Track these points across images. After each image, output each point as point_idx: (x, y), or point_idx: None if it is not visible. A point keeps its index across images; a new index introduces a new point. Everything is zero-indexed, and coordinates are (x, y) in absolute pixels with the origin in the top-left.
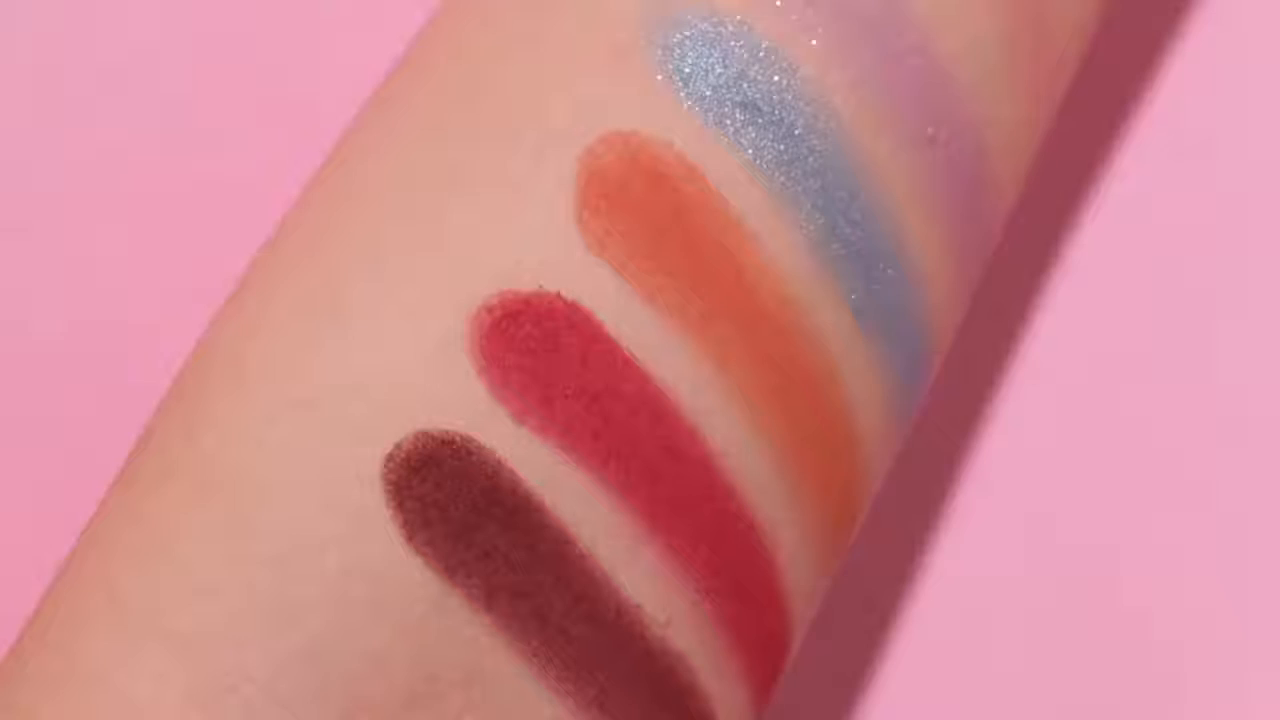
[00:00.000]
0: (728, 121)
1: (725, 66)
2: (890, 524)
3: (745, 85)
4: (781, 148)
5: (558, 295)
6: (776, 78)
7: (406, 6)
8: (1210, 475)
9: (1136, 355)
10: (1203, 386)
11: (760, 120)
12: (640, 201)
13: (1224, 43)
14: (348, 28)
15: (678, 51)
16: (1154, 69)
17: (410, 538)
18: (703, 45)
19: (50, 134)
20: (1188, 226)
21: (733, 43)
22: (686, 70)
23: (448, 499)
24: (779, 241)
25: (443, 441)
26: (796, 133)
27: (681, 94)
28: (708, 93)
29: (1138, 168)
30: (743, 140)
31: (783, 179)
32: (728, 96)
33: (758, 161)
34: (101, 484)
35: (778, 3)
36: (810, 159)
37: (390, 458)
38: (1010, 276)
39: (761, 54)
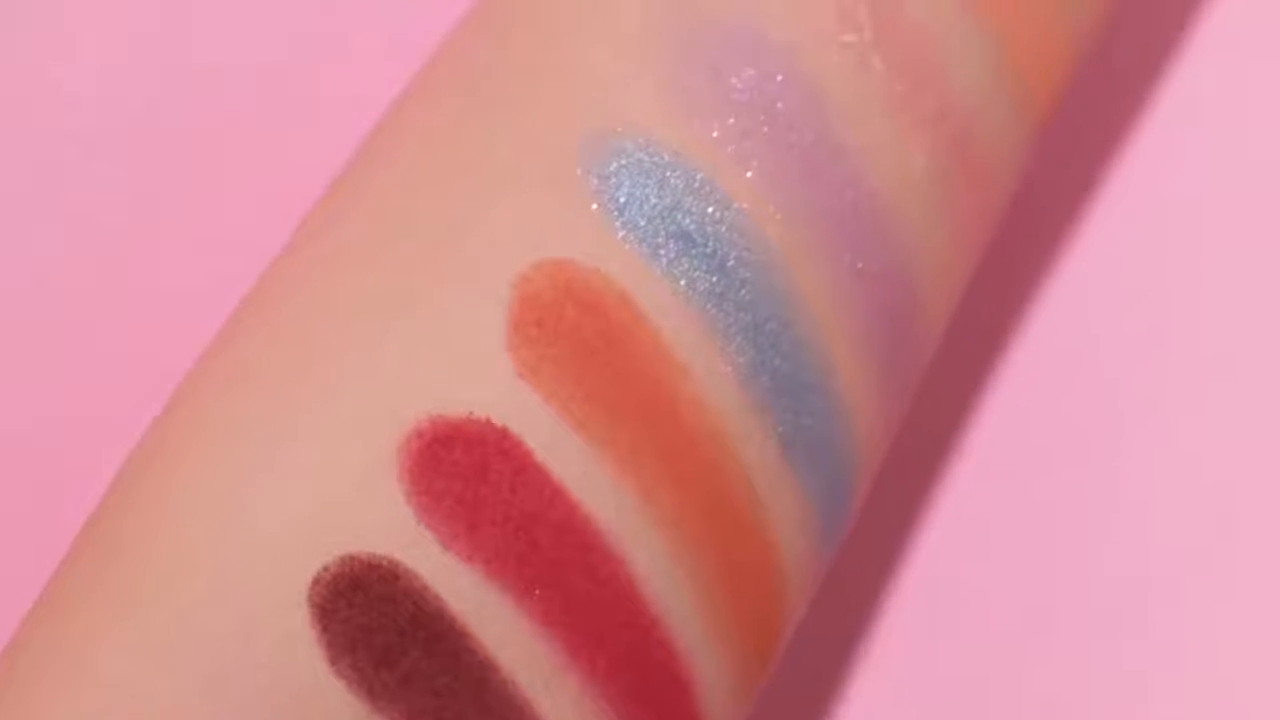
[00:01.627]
0: (661, 251)
1: (660, 197)
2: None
3: (680, 216)
4: (714, 279)
5: (488, 421)
6: (711, 209)
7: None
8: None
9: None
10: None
11: (694, 251)
12: (572, 329)
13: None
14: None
15: (614, 180)
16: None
17: (334, 661)
18: (639, 175)
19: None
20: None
21: (668, 173)
22: (622, 199)
23: (373, 623)
24: (709, 372)
25: (369, 565)
26: (729, 264)
27: (616, 223)
28: (642, 222)
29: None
30: (676, 270)
31: (714, 310)
32: (662, 227)
33: (690, 292)
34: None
35: (714, 134)
36: (742, 291)
37: (317, 580)
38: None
39: (696, 185)
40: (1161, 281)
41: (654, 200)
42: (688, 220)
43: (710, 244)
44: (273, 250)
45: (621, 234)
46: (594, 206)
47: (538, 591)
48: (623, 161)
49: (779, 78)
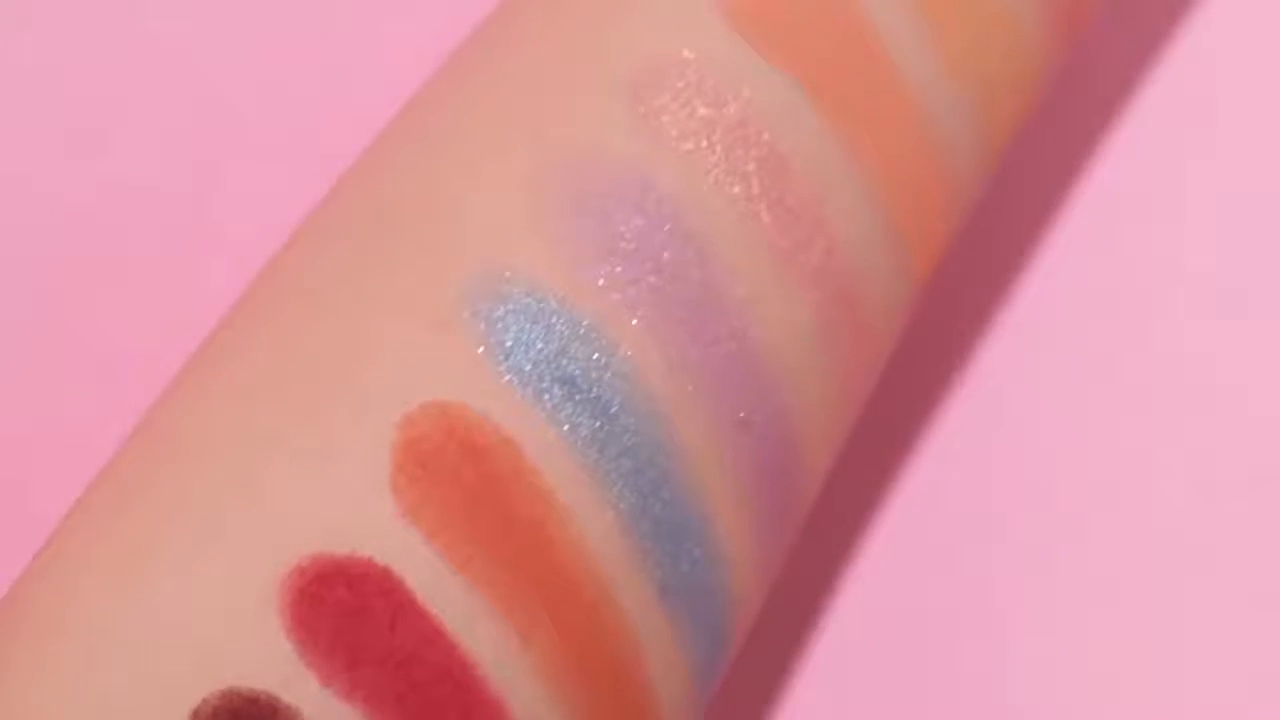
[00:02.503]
0: (546, 396)
1: (546, 342)
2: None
3: (565, 361)
4: (597, 425)
5: (370, 560)
6: (596, 355)
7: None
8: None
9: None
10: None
11: (578, 397)
12: (455, 471)
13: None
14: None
15: (500, 325)
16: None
17: None
18: (525, 320)
19: None
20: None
21: (554, 319)
22: (508, 344)
23: None
24: (590, 518)
25: (249, 700)
26: (613, 411)
27: (501, 367)
28: (528, 367)
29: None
30: (560, 416)
31: (597, 456)
32: (547, 372)
33: (573, 437)
34: None
35: (600, 281)
36: (625, 437)
37: (197, 713)
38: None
39: (582, 331)
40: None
41: (540, 345)
42: (573, 366)
43: (594, 390)
44: (164, 380)
45: (507, 378)
46: (480, 350)
47: None
48: (510, 306)
49: (666, 227)
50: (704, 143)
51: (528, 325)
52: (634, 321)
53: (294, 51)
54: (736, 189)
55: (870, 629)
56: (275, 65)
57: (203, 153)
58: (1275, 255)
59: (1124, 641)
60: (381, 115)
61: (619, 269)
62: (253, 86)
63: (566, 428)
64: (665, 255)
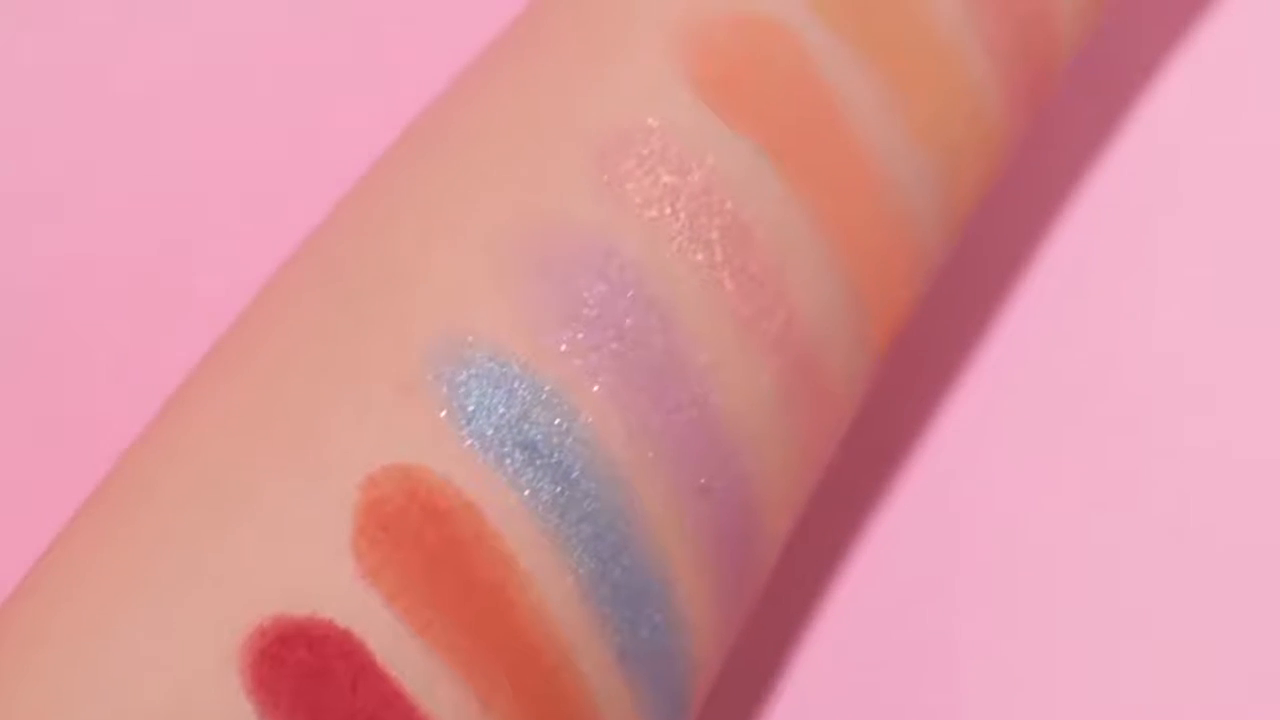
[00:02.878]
0: (507, 461)
1: (508, 407)
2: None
3: (527, 426)
4: (558, 490)
5: (331, 622)
6: (557, 421)
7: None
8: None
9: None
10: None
11: (539, 462)
12: (417, 534)
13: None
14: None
15: (463, 389)
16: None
17: None
18: (487, 384)
19: None
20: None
21: (516, 384)
22: (470, 408)
23: None
24: (550, 582)
25: None
26: (574, 476)
27: (464, 431)
28: (489, 431)
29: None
30: (521, 480)
31: (557, 521)
32: (509, 436)
33: (534, 502)
34: None
35: (562, 347)
36: (585, 503)
37: None
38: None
39: (544, 397)
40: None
41: (502, 410)
42: (534, 431)
43: (556, 455)
44: (129, 437)
45: (469, 442)
46: (443, 414)
47: None
48: (473, 371)
49: (629, 294)
50: (668, 210)
51: (490, 390)
52: (596, 388)
53: (259, 112)
54: (699, 256)
55: (829, 689)
56: (240, 125)
57: (170, 214)
58: (1236, 320)
59: (1082, 692)
60: (348, 175)
61: (581, 335)
62: (218, 149)
63: (528, 492)
64: (628, 322)
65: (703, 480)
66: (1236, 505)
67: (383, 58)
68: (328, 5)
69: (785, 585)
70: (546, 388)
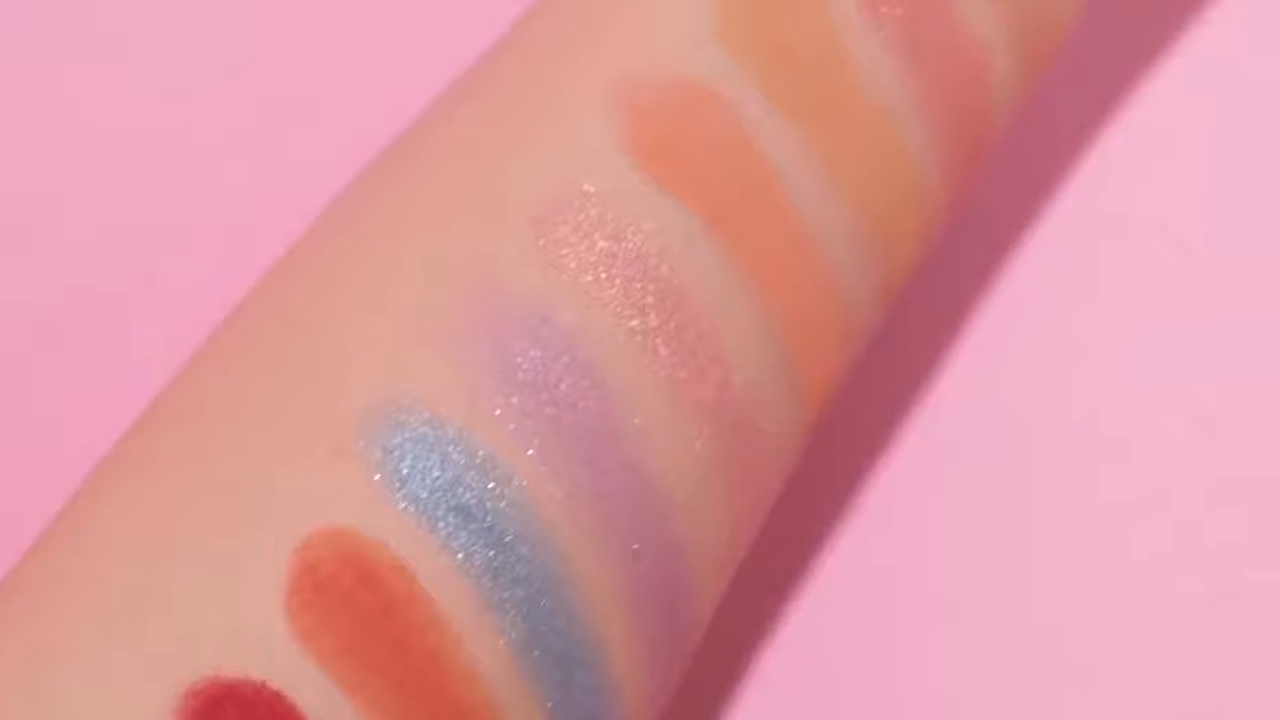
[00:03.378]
0: (441, 525)
1: (443, 471)
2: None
3: (461, 490)
4: (491, 554)
5: (263, 684)
6: (491, 485)
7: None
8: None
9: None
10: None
11: (473, 526)
12: (350, 597)
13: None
14: None
15: (397, 453)
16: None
17: None
18: (422, 448)
19: None
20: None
21: (451, 448)
22: (404, 472)
23: None
24: (483, 645)
25: None
26: (507, 540)
27: (398, 494)
28: (424, 495)
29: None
30: (454, 544)
31: (490, 584)
32: (443, 500)
33: (467, 566)
34: None
35: (496, 412)
36: (518, 567)
37: None
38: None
39: (479, 461)
40: None
41: (436, 474)
42: (468, 495)
43: (489, 519)
44: (67, 493)
45: (402, 505)
46: (377, 477)
47: None
48: (407, 435)
49: (564, 359)
50: (603, 275)
51: (425, 454)
52: (530, 452)
53: (212, 157)
54: (634, 322)
55: None
56: (192, 173)
57: (119, 261)
58: (1162, 393)
59: None
60: (296, 226)
61: (516, 399)
62: (166, 199)
63: (461, 556)
64: (562, 386)
65: (635, 545)
66: (1150, 555)
67: (348, 93)
68: (282, 49)
69: (720, 642)
70: (481, 452)
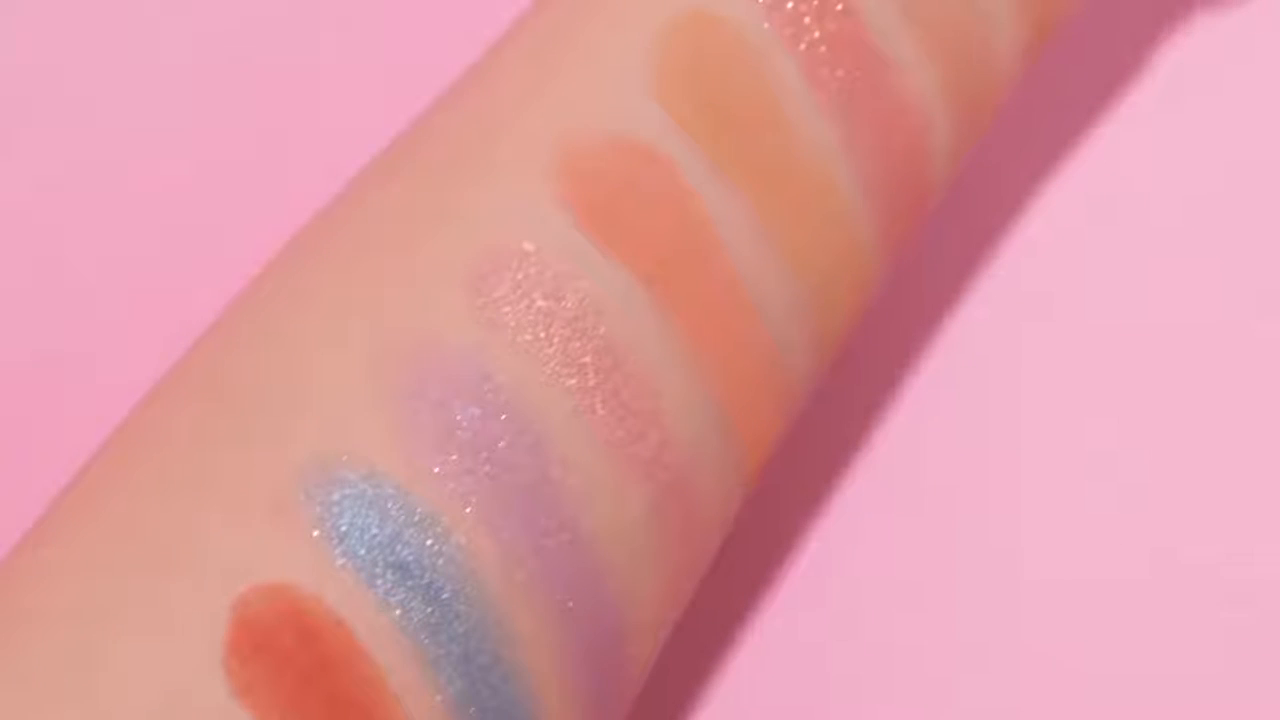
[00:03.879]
0: (379, 581)
1: (381, 527)
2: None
3: (399, 547)
4: (429, 610)
5: None
6: (429, 542)
7: None
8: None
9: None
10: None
11: (410, 583)
12: (287, 652)
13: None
14: None
15: (336, 509)
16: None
17: None
18: (361, 505)
19: None
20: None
21: (389, 505)
22: (343, 528)
23: None
24: (420, 701)
25: None
26: (444, 597)
27: (336, 551)
28: (362, 551)
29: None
30: (392, 601)
31: (427, 640)
32: (381, 557)
33: (405, 622)
34: None
35: (435, 469)
36: (455, 623)
37: None
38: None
39: (417, 518)
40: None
41: (375, 531)
42: (407, 552)
43: (427, 576)
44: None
45: (341, 562)
46: (316, 533)
47: None
48: (346, 491)
49: (503, 417)
50: (541, 334)
51: (363, 510)
52: (468, 510)
53: (139, 213)
54: (572, 381)
55: None
56: (120, 230)
57: (49, 314)
58: (1111, 452)
59: None
60: (237, 280)
61: (455, 457)
62: (99, 255)
63: (399, 612)
64: (501, 445)
65: (571, 603)
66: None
67: (326, 114)
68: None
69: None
70: (419, 509)
